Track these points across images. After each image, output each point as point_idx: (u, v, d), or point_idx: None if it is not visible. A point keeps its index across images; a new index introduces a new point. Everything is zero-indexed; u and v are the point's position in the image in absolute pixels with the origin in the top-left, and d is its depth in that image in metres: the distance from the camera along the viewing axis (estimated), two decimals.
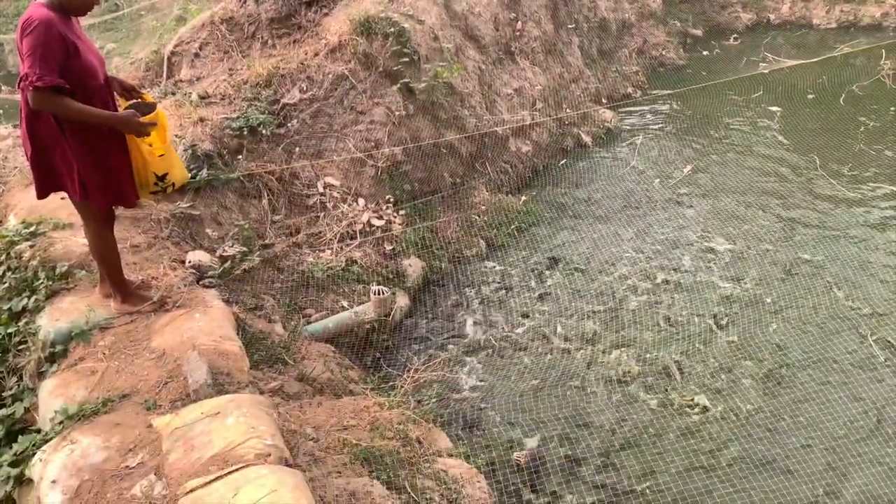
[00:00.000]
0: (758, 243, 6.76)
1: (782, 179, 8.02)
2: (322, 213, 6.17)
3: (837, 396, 4.84)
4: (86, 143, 3.37)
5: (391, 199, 6.56)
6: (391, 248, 6.29)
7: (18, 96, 3.47)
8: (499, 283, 6.44)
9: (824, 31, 14.13)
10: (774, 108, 9.86)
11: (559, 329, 5.73)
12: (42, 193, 3.58)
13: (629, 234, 7.11)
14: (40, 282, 4.13)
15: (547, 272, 6.57)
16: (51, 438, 3.11)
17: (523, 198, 7.77)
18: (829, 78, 10.34)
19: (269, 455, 2.79)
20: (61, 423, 3.18)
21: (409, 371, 4.31)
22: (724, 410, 4.78)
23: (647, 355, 5.35)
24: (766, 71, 10.44)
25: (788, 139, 8.96)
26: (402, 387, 4.04)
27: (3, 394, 3.80)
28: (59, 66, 3.19)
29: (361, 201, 6.51)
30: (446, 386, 4.86)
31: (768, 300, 5.93)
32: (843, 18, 14.36)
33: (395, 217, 6.56)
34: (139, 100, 3.73)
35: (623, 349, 5.44)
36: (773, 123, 9.49)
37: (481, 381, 5.15)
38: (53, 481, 2.84)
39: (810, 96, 10.02)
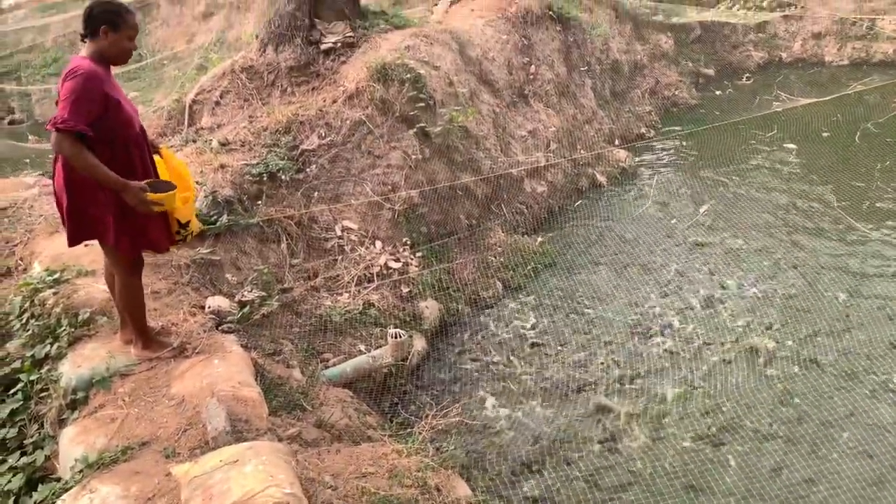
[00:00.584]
0: (780, 285, 6.66)
1: (800, 218, 7.97)
2: (340, 257, 6.22)
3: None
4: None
5: (408, 242, 6.60)
6: (408, 290, 6.30)
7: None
8: (515, 325, 6.41)
9: (836, 69, 14.19)
10: (790, 146, 9.86)
11: (577, 374, 5.68)
12: (74, 242, 3.65)
13: (646, 276, 7.07)
14: (63, 329, 4.18)
15: (564, 315, 6.54)
16: (71, 487, 3.11)
17: (539, 239, 7.78)
18: (844, 116, 10.32)
19: None
20: (81, 471, 3.18)
21: (426, 417, 4.28)
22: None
23: (676, 409, 5.26)
24: (779, 109, 10.47)
25: (805, 177, 8.93)
26: (420, 433, 4.01)
27: (24, 441, 3.82)
28: (90, 118, 3.29)
29: (378, 244, 6.56)
30: (464, 431, 4.80)
31: (789, 342, 5.85)
32: (855, 55, 14.45)
33: (412, 259, 6.59)
34: (157, 173, 3.74)
35: (638, 395, 5.37)
36: (789, 161, 9.48)
37: (499, 424, 5.09)
38: None
39: (825, 134, 10.01)
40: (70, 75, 3.29)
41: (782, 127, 10.39)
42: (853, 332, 5.91)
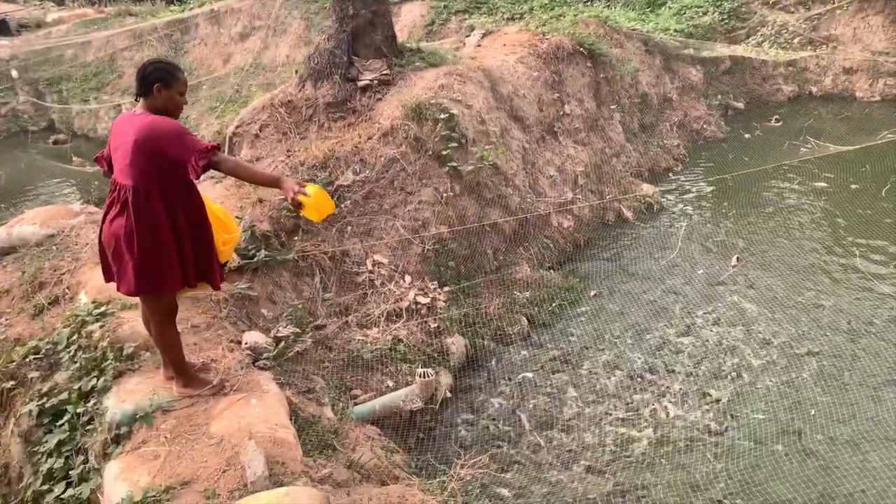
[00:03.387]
0: (812, 344, 6.43)
1: (830, 274, 7.63)
2: (370, 291, 6.37)
3: None
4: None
5: (437, 278, 6.73)
6: (435, 325, 6.42)
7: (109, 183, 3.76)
8: (540, 364, 6.49)
9: (868, 105, 14.10)
10: (821, 185, 9.63)
11: (605, 425, 5.70)
12: (139, 291, 3.83)
13: (673, 327, 6.92)
14: (108, 362, 4.39)
15: (589, 358, 6.58)
16: None
17: (565, 275, 7.85)
18: (872, 167, 9.96)
19: None
20: None
21: (454, 466, 4.38)
22: None
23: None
24: (808, 157, 10.31)
25: (833, 228, 8.63)
26: (449, 481, 4.12)
27: (70, 472, 4.00)
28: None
29: (408, 278, 6.70)
30: (492, 482, 4.84)
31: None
32: (887, 92, 14.33)
33: (440, 294, 6.72)
34: None
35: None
36: (818, 206, 9.23)
37: (526, 475, 5.15)
38: None
39: (854, 186, 9.67)
40: (155, 128, 3.52)
41: (810, 175, 10.18)
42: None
